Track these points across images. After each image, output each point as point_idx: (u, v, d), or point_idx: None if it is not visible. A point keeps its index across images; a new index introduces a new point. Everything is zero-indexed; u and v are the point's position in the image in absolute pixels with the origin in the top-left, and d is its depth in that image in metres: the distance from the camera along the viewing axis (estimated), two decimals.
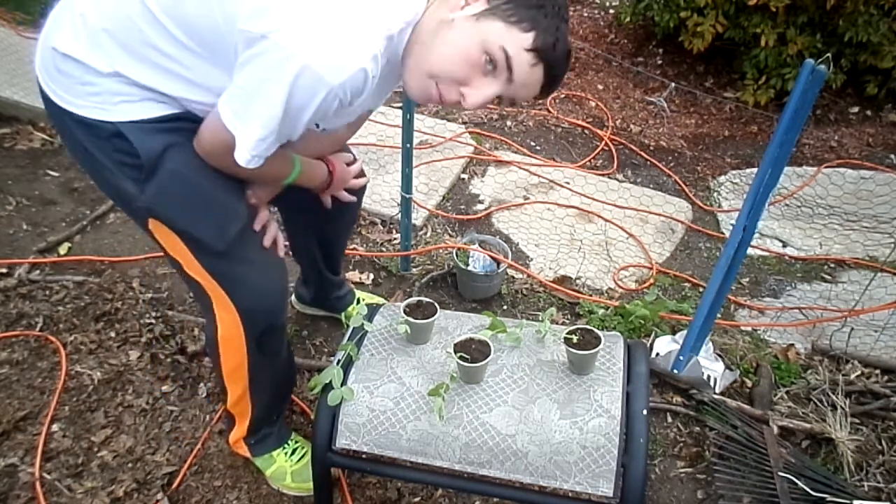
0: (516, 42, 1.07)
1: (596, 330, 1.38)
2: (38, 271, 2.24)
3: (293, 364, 1.67)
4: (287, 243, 1.90)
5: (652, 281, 2.52)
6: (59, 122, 1.22)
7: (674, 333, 2.15)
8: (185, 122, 1.21)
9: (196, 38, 1.11)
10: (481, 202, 2.87)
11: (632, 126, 3.64)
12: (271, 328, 1.40)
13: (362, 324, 1.46)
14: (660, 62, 4.22)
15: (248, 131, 1.09)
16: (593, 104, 3.80)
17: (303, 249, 1.86)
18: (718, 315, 2.03)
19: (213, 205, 1.26)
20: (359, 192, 1.70)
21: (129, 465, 1.71)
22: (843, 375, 2.01)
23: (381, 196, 2.75)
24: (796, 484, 1.65)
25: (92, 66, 1.13)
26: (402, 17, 1.11)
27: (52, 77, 1.18)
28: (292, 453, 1.66)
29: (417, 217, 2.64)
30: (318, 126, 1.29)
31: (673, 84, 3.90)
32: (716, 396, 1.93)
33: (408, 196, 2.22)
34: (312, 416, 1.81)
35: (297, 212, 1.71)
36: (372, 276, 2.38)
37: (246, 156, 1.12)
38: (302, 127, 1.14)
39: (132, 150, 1.18)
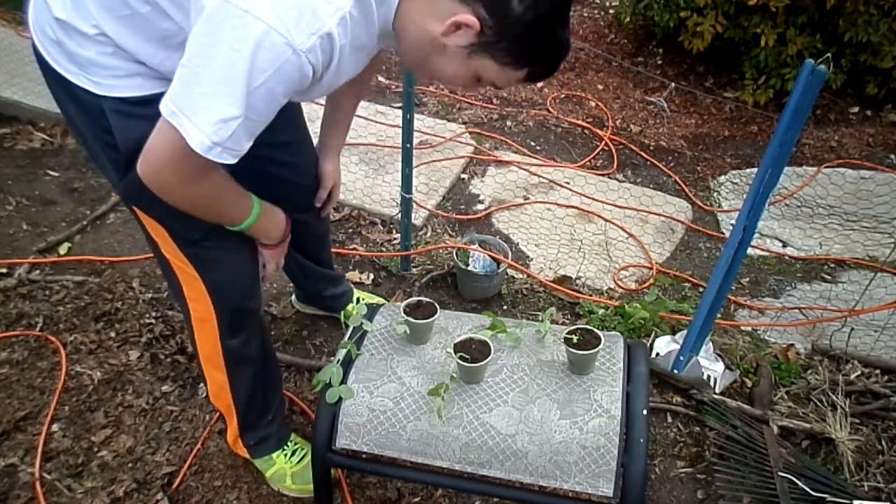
0: (509, 77, 1.08)
1: (596, 330, 1.38)
2: (38, 271, 2.24)
3: (275, 360, 1.62)
4: None
5: (652, 281, 2.52)
6: (52, 85, 1.18)
7: (674, 333, 2.15)
8: None
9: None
10: (481, 202, 2.87)
11: (632, 126, 3.64)
12: (242, 310, 1.41)
13: (362, 323, 1.46)
14: (660, 62, 4.22)
15: (206, 111, 0.94)
16: (593, 104, 3.80)
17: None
18: (718, 315, 2.03)
19: None
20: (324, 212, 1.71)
21: (129, 465, 1.71)
22: (843, 375, 2.01)
23: (381, 196, 2.75)
24: (796, 484, 1.65)
25: (78, 27, 1.08)
26: None
27: (46, 38, 1.13)
28: (292, 455, 1.66)
29: (417, 217, 2.64)
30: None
31: (673, 84, 3.90)
32: (716, 396, 1.93)
33: (408, 196, 2.22)
34: (313, 417, 1.81)
35: None
36: (372, 276, 2.38)
37: (205, 140, 0.94)
38: (277, 108, 1.03)
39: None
